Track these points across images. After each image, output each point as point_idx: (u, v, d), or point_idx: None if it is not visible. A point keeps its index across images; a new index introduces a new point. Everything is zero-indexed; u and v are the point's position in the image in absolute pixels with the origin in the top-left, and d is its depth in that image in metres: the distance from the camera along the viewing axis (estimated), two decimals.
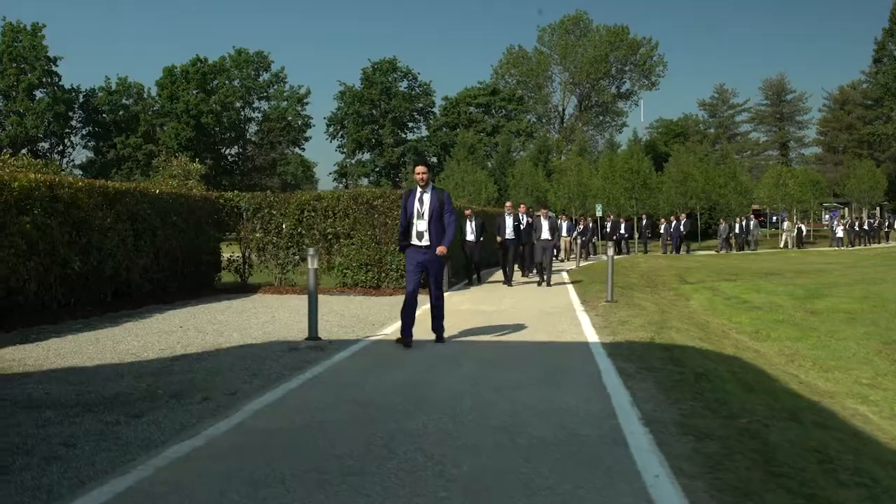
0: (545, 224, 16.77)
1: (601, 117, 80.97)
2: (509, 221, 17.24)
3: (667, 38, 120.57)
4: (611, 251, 13.46)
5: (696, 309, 14.80)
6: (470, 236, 17.21)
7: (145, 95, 65.69)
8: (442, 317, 8.78)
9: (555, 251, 22.33)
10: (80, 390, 6.02)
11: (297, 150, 72.07)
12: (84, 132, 64.16)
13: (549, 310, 12.13)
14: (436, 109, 73.50)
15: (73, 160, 65.82)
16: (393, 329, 9.79)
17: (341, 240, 15.51)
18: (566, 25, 77.12)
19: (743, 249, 41.11)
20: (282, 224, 15.74)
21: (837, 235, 45.11)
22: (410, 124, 72.63)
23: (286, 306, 12.81)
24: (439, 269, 8.62)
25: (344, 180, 71.48)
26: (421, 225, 8.30)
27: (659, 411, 5.30)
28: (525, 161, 54.57)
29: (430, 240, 8.27)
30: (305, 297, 14.84)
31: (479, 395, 5.77)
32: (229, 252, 16.95)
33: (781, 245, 44.90)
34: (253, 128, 69.39)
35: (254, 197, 16.17)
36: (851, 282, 21.58)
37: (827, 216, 56.93)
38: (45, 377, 6.62)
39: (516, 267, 20.45)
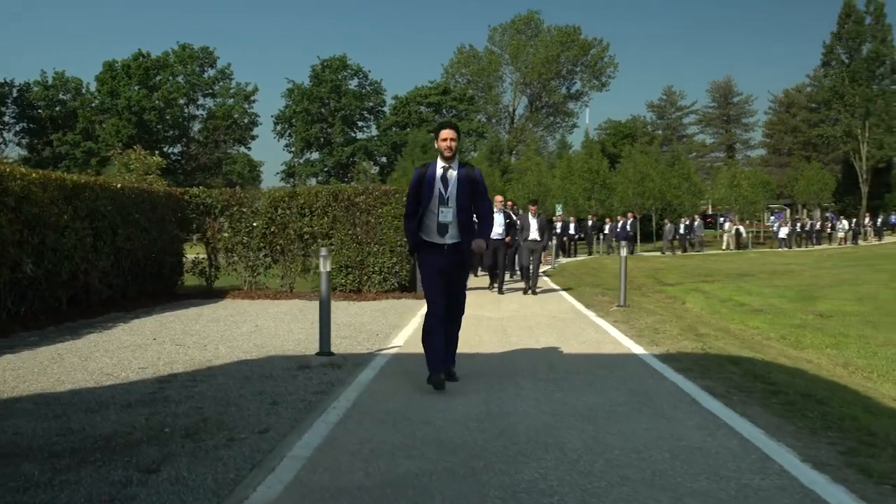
0: (534, 223, 14.86)
1: (551, 118, 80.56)
2: (498, 218, 14.97)
3: (616, 39, 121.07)
4: (624, 251, 12.46)
5: (700, 312, 13.93)
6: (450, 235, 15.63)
7: (84, 91, 62.97)
8: (456, 344, 6.37)
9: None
10: (61, 428, 4.71)
11: (243, 148, 69.95)
12: (18, 128, 61.19)
13: (559, 316, 11.08)
14: (386, 108, 72.16)
15: (6, 157, 62.60)
16: (404, 340, 8.63)
17: (319, 240, 14.23)
18: (517, 25, 76.49)
19: (687, 251, 40.91)
20: (253, 223, 14.38)
21: (781, 236, 45.17)
22: (360, 123, 71.17)
23: (266, 314, 11.51)
24: (465, 277, 6.32)
25: (292, 180, 69.57)
26: (446, 214, 5.83)
27: (812, 448, 4.26)
28: (480, 161, 53.64)
29: (460, 236, 5.91)
30: (281, 302, 13.82)
31: (573, 427, 4.64)
32: (193, 253, 15.52)
33: (724, 247, 44.86)
34: (197, 126, 67.09)
35: (222, 193, 14.79)
36: (831, 283, 21.09)
37: (772, 217, 57.29)
38: (9, 408, 5.28)
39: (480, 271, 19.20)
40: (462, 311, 6.27)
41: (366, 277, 14.15)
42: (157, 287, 13.54)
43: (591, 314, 11.30)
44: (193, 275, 14.91)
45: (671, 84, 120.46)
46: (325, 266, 7.20)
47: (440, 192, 5.86)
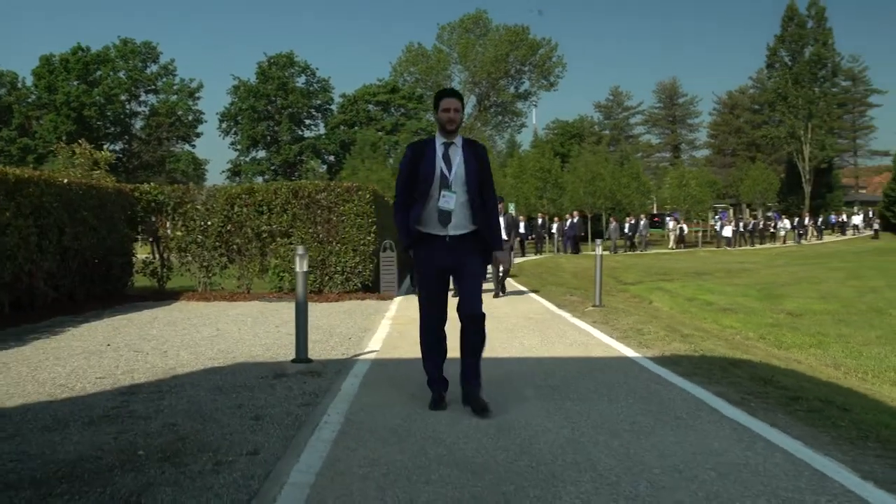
0: (501, 222, 14.44)
1: (500, 117, 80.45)
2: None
3: (564, 39, 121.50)
4: (599, 250, 12.12)
5: (671, 312, 13.70)
6: None
7: (20, 85, 60.74)
8: (479, 361, 5.21)
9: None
10: (16, 451, 4.11)
11: (187, 146, 68.20)
12: None
13: (534, 317, 10.67)
14: (334, 107, 71.18)
15: None
16: (380, 344, 8.12)
17: (278, 239, 13.61)
18: (466, 24, 76.17)
19: (633, 250, 41.18)
20: (208, 221, 13.69)
21: (725, 235, 45.68)
22: (308, 121, 70.00)
23: (225, 316, 10.88)
24: (480, 273, 5.14)
25: (237, 178, 68.09)
26: (448, 200, 4.85)
27: (862, 463, 3.89)
28: None
29: (468, 226, 4.95)
30: (239, 303, 13.14)
31: (597, 441, 4.20)
32: (143, 253, 14.77)
33: (670, 246, 45.24)
34: (140, 123, 65.16)
35: (175, 190, 14.07)
36: (790, 281, 21.15)
37: (716, 217, 58.06)
38: None
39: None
40: (481, 317, 5.05)
41: (327, 278, 13.58)
42: (107, 289, 12.77)
43: (566, 315, 10.93)
44: (144, 275, 14.15)
45: (618, 84, 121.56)
46: (301, 266, 6.64)
47: (442, 173, 4.86)
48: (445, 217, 4.87)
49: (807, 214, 53.79)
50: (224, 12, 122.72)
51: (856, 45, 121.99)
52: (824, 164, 61.19)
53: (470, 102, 79.26)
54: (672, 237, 45.84)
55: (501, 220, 13.42)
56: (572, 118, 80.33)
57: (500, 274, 13.98)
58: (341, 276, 13.53)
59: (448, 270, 5.04)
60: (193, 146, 68.90)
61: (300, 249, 6.64)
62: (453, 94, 5.05)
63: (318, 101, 69.72)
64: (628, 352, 7.56)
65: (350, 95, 70.78)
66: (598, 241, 12.67)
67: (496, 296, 13.61)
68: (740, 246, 45.32)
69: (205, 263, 13.84)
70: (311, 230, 13.47)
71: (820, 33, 59.43)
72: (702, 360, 7.07)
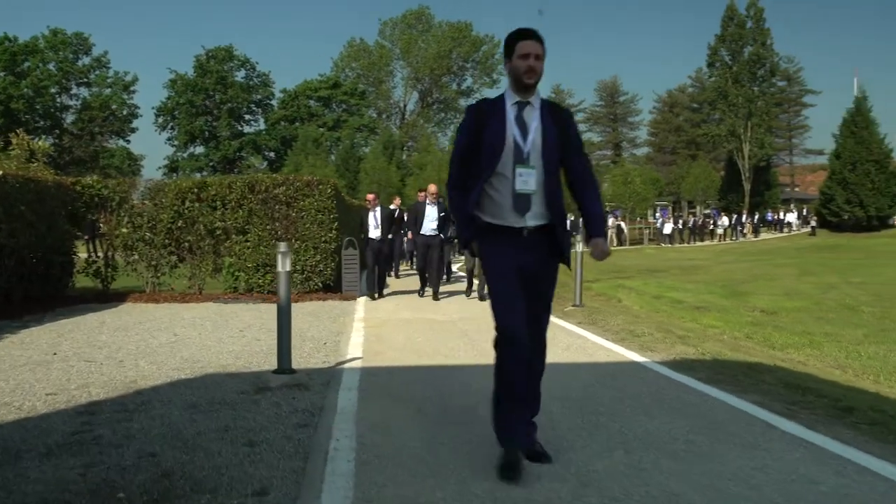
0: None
1: (443, 114, 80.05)
2: (431, 212, 12.83)
3: (503, 36, 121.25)
4: (580, 247, 11.59)
5: (646, 311, 13.27)
6: (375, 231, 13.11)
7: None
8: (539, 399, 4.05)
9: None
10: None
11: (121, 141, 65.98)
12: None
13: None
14: (274, 102, 69.75)
15: None
16: (360, 349, 7.44)
17: (233, 236, 12.76)
18: (408, 20, 75.58)
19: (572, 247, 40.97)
20: (157, 217, 12.76)
21: (665, 232, 45.93)
22: (248, 116, 68.53)
23: (180, 320, 10.03)
24: (552, 298, 3.99)
25: (175, 175, 66.19)
26: (527, 179, 3.59)
27: None
28: (377, 155, 52.39)
29: (549, 213, 3.69)
30: (192, 306, 12.13)
31: (663, 469, 3.60)
32: (86, 251, 13.75)
33: (613, 244, 45.33)
34: (71, 116, 62.80)
35: (120, 184, 13.09)
36: (747, 279, 21.04)
37: (657, 214, 58.59)
38: None
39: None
40: (545, 346, 4.00)
41: None
42: (46, 290, 11.75)
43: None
44: (87, 276, 13.14)
45: (559, 83, 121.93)
46: (284, 265, 5.90)
47: (516, 143, 3.57)
48: (523, 202, 3.56)
49: (745, 212, 54.53)
50: (160, 3, 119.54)
51: (791, 47, 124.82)
52: (763, 163, 62.12)
53: (412, 99, 78.82)
54: (611, 235, 45.83)
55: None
56: None
57: (474, 274, 12.87)
58: (301, 275, 12.75)
59: (525, 274, 3.64)
60: (128, 141, 66.80)
61: (282, 247, 5.90)
62: (533, 35, 3.67)
63: (259, 96, 68.31)
64: (633, 355, 7.02)
65: (291, 91, 69.56)
66: (579, 237, 12.13)
67: (468, 295, 12.93)
68: (679, 243, 45.58)
69: (153, 262, 12.90)
70: (268, 227, 12.66)
71: (759, 34, 60.23)
72: (715, 365, 6.56)
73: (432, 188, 13.27)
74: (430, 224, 12.88)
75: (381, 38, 75.80)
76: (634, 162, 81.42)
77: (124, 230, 12.79)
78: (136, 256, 12.91)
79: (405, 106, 77.90)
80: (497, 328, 3.69)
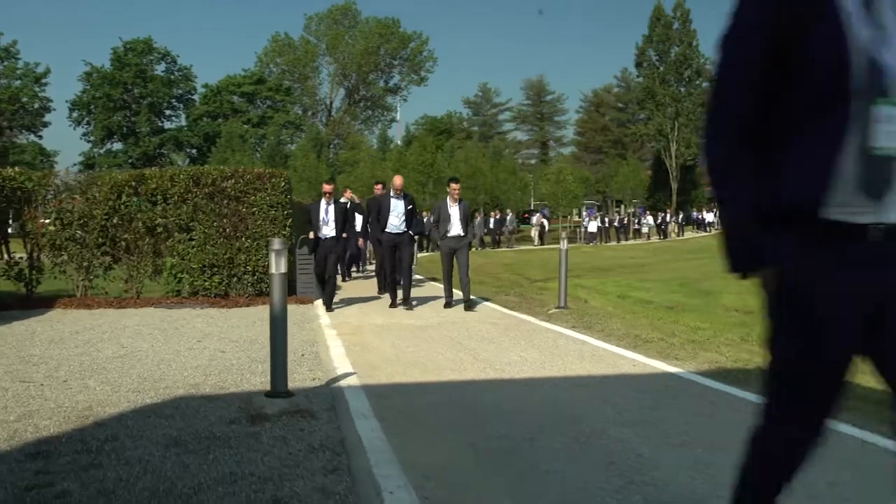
0: (455, 212, 10.86)
1: (370, 111, 78.82)
2: (397, 206, 11.03)
3: (434, 34, 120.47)
4: (564, 244, 10.81)
5: (620, 311, 12.60)
6: (327, 229, 10.88)
7: None
8: None
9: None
10: None
11: (33, 136, 62.50)
12: None
13: (498, 322, 9.27)
14: (196, 97, 67.31)
15: None
16: (349, 362, 6.46)
17: (175, 234, 11.56)
18: (334, 15, 74.03)
19: (498, 246, 40.72)
20: (89, 214, 11.46)
21: (591, 231, 45.87)
22: (169, 112, 65.88)
23: (123, 329, 8.86)
24: None
25: (91, 172, 63.19)
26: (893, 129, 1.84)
27: None
28: (306, 152, 50.94)
29: None
30: (130, 311, 10.78)
31: None
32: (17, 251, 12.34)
33: (536, 243, 45.11)
34: None
35: (46, 176, 11.74)
36: (700, 277, 20.63)
37: (584, 213, 58.83)
38: None
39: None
40: None
41: (235, 279, 11.65)
42: None
43: (531, 318, 9.59)
44: (9, 279, 11.72)
45: (486, 81, 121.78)
46: (279, 265, 4.88)
47: (870, 58, 1.83)
48: (883, 172, 1.86)
49: (670, 211, 55.08)
50: None
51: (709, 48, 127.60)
52: (690, 162, 62.96)
53: (339, 96, 77.25)
54: (535, 233, 45.56)
55: (456, 209, 11.00)
56: (440, 114, 79.66)
57: (464, 280, 10.77)
58: (252, 276, 11.63)
59: (869, 317, 1.91)
60: (40, 137, 63.23)
61: (276, 243, 4.87)
62: None
63: (180, 91, 65.84)
64: (660, 364, 6.26)
65: (213, 86, 67.24)
66: (564, 233, 11.36)
67: (448, 306, 10.85)
68: (605, 242, 45.54)
69: (85, 264, 11.59)
70: (215, 223, 11.50)
71: (685, 34, 61.05)
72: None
73: (398, 181, 11.54)
74: (396, 220, 11.05)
75: (306, 33, 74.13)
76: (562, 161, 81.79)
77: (52, 228, 11.45)
78: (66, 257, 11.57)
79: (331, 103, 76.38)
80: (769, 406, 2.12)
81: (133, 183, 11.58)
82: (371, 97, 77.49)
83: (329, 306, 10.83)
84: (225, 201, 11.55)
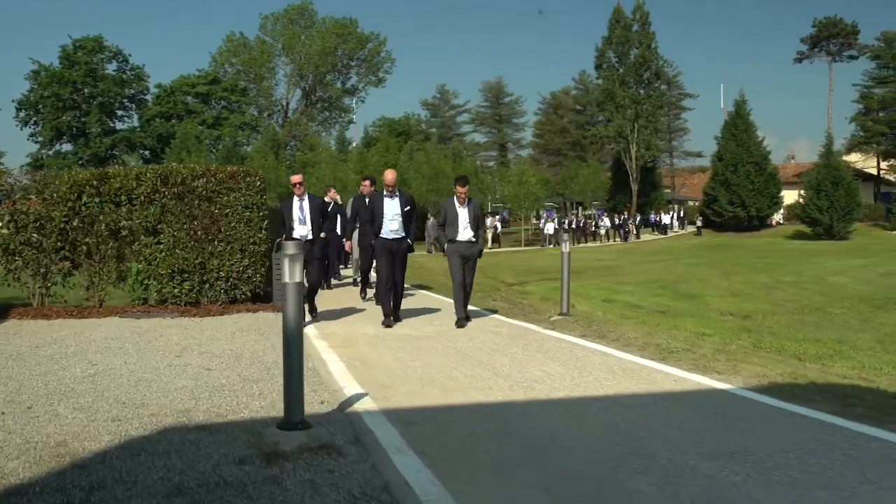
0: (463, 213, 9.29)
1: (327, 112, 77.70)
2: (391, 207, 9.42)
3: (391, 35, 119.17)
4: (566, 247, 10.18)
5: (610, 316, 12.05)
6: (302, 228, 9.65)
7: None
8: None
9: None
10: None
11: None
12: None
13: (501, 331, 8.64)
14: (149, 97, 65.54)
15: None
16: (355, 379, 5.74)
17: (142, 238, 10.69)
18: (290, 15, 72.81)
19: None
20: (46, 216, 10.55)
21: (548, 233, 45.48)
22: (121, 112, 63.97)
23: (90, 341, 8.02)
24: None
25: (47, 172, 61.04)
26: None
27: None
28: (265, 153, 49.78)
29: None
30: (93, 322, 9.71)
31: None
32: None
33: (490, 245, 44.60)
34: None
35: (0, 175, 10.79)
36: (677, 280, 20.38)
37: (543, 215, 58.64)
38: None
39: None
40: None
41: (207, 285, 10.81)
42: None
43: (534, 326, 8.96)
44: None
45: (444, 82, 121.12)
46: (292, 273, 4.11)
47: None
48: None
49: (626, 213, 55.04)
50: None
51: (668, 51, 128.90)
52: (650, 164, 63.01)
53: (295, 97, 75.93)
54: (489, 235, 44.97)
55: (466, 210, 9.40)
56: (398, 116, 78.89)
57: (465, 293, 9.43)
58: (225, 282, 10.81)
59: None
60: None
61: (290, 247, 4.12)
62: None
63: (132, 91, 64.00)
64: (704, 380, 5.66)
65: (167, 86, 65.55)
66: (565, 235, 10.74)
67: (460, 324, 9.03)
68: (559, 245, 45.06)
69: (42, 270, 10.67)
70: (185, 226, 10.65)
71: (644, 36, 61.02)
72: (813, 389, 5.29)
73: (390, 175, 9.65)
74: (391, 224, 9.39)
75: (262, 32, 72.77)
76: (520, 163, 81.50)
77: (4, 231, 10.52)
78: (20, 263, 10.63)
79: (288, 104, 75.10)
80: None
81: (94, 182, 10.68)
82: (328, 98, 76.41)
83: (313, 315, 9.91)
84: (196, 202, 10.71)
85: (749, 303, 14.24)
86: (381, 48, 74.77)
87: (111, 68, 61.93)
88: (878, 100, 61.29)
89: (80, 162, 59.57)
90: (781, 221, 57.99)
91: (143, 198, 10.66)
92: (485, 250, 10.56)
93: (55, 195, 10.57)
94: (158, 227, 10.67)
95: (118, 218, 10.64)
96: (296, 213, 9.71)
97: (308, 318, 9.11)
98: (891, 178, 62.31)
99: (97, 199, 10.62)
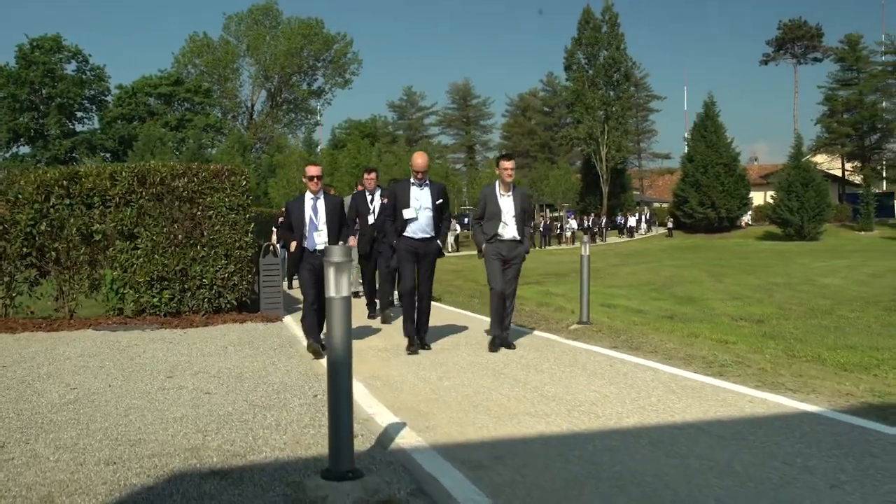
0: (508, 204, 7.29)
1: (292, 114, 76.50)
2: (420, 198, 7.28)
3: (357, 36, 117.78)
4: (586, 250, 9.47)
5: (618, 324, 11.39)
6: (318, 235, 7.24)
7: None
8: None
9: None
10: None
11: None
12: None
13: (519, 342, 7.86)
14: (110, 98, 63.85)
15: None
16: (389, 410, 4.94)
17: (117, 243, 9.78)
18: (255, 15, 71.61)
19: None
20: (10, 219, 9.61)
21: (570, 231, 45.09)
22: (80, 114, 62.21)
23: (64, 359, 7.13)
24: None
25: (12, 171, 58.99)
26: None
27: None
28: (232, 156, 48.56)
29: None
30: (65, 335, 8.82)
31: None
32: None
33: (451, 249, 43.75)
34: None
35: None
36: (669, 283, 19.79)
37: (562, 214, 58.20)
38: None
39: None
40: None
41: (189, 294, 9.93)
42: None
43: (555, 337, 8.25)
44: None
45: (411, 84, 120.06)
46: (339, 286, 3.31)
47: None
48: None
49: (596, 215, 54.80)
50: None
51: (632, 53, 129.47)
52: (620, 165, 62.85)
53: (260, 98, 74.61)
54: (451, 239, 44.24)
55: (510, 200, 7.38)
56: (365, 118, 77.91)
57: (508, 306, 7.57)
58: (209, 290, 9.94)
59: None
60: None
61: (336, 253, 3.31)
62: None
63: (92, 92, 62.27)
64: (784, 400, 4.96)
65: (128, 87, 63.92)
66: (586, 237, 10.02)
67: (493, 349, 7.33)
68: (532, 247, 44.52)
69: (6, 278, 9.73)
70: (165, 229, 9.78)
71: (613, 38, 60.85)
72: None
73: (421, 159, 7.34)
74: (419, 219, 7.33)
75: (225, 33, 71.46)
76: (488, 166, 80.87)
77: None
78: None
79: (253, 105, 73.85)
80: None
81: (64, 182, 9.76)
82: (294, 100, 75.30)
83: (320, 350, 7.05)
84: (176, 203, 9.84)
85: (753, 306, 13.66)
86: (347, 49, 73.90)
87: (70, 68, 60.28)
88: (843, 102, 61.66)
89: (37, 164, 57.78)
90: (750, 222, 58.15)
91: (118, 199, 9.78)
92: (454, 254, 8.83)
93: (20, 196, 9.64)
94: (135, 230, 9.80)
95: (90, 221, 9.77)
96: (307, 216, 7.21)
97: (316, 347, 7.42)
98: (855, 179, 62.79)
99: (67, 201, 9.71)
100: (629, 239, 53.81)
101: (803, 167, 49.11)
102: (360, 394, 5.39)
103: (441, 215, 7.52)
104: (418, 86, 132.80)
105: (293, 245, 7.24)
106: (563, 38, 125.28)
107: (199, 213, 9.88)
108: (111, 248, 9.79)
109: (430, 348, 7.44)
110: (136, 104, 63.11)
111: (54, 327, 9.38)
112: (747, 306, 13.67)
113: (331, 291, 3.23)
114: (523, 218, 7.39)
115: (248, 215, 10.17)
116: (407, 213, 7.29)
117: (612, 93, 61.05)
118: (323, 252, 5.73)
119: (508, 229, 7.27)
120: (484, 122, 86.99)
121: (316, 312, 7.08)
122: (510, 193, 7.33)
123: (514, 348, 7.32)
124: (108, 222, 9.77)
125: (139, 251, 9.75)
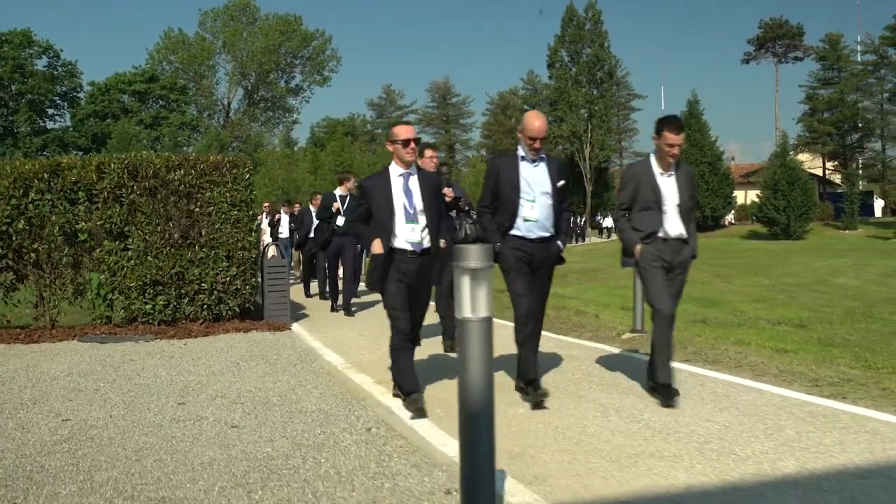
0: (671, 190, 5.18)
1: (270, 112, 75.12)
2: (536, 178, 5.11)
3: (336, 34, 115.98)
4: (638, 246, 8.51)
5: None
6: (408, 229, 4.98)
7: None
8: None
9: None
10: None
11: None
12: None
13: (566, 352, 6.93)
14: (82, 95, 62.13)
15: None
16: (505, 451, 3.96)
17: (105, 243, 8.70)
18: (231, 11, 70.20)
19: None
20: None
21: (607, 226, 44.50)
22: (52, 111, 60.42)
23: (50, 379, 6.10)
24: None
25: None
26: None
27: None
28: (210, 152, 47.28)
29: None
30: (47, 347, 7.79)
31: None
32: None
33: None
34: None
35: None
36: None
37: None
38: None
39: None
40: None
41: (186, 300, 8.87)
42: None
43: (609, 347, 7.32)
44: None
45: (390, 83, 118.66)
46: (476, 304, 2.34)
47: None
48: None
49: (580, 214, 54.15)
50: None
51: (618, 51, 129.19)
52: (604, 164, 62.28)
53: (237, 96, 73.10)
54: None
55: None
56: (343, 116, 76.66)
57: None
58: (209, 296, 8.89)
59: None
60: None
61: (473, 256, 2.34)
62: None
63: (64, 88, 60.54)
64: None
65: (101, 84, 62.19)
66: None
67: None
68: None
69: None
70: (159, 228, 8.71)
71: (597, 35, 60.27)
72: None
73: (538, 122, 5.07)
74: (536, 209, 5.17)
75: (201, 29, 69.95)
76: (468, 165, 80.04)
77: None
78: None
79: (229, 103, 72.35)
80: None
81: (45, 175, 8.66)
82: (272, 98, 73.95)
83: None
84: (171, 199, 8.78)
85: (781, 309, 12.82)
86: (325, 46, 72.64)
87: (41, 64, 58.46)
88: (824, 101, 61.54)
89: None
90: (733, 221, 57.82)
91: (105, 194, 8.69)
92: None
93: None
94: (125, 229, 8.72)
95: (75, 219, 8.66)
96: (397, 200, 4.96)
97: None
98: (836, 178, 62.72)
99: (48, 196, 8.61)
100: (607, 240, 53.04)
101: (789, 166, 48.69)
102: (426, 429, 4.43)
103: (562, 204, 5.25)
104: (397, 84, 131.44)
105: (377, 245, 4.92)
106: (544, 35, 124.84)
107: (197, 209, 8.82)
108: (98, 250, 8.70)
109: (548, 395, 5.07)
110: (110, 101, 61.41)
111: (34, 338, 8.31)
112: (776, 308, 12.84)
113: (465, 311, 2.26)
114: (691, 208, 5.29)
115: (251, 212, 9.14)
116: (527, 212, 5.08)
117: (595, 91, 60.46)
118: (422, 253, 4.91)
119: (672, 223, 5.17)
120: (464, 121, 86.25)
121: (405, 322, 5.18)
122: (671, 173, 5.19)
123: (678, 395, 4.99)
124: (94, 220, 8.67)
125: (130, 252, 8.67)
